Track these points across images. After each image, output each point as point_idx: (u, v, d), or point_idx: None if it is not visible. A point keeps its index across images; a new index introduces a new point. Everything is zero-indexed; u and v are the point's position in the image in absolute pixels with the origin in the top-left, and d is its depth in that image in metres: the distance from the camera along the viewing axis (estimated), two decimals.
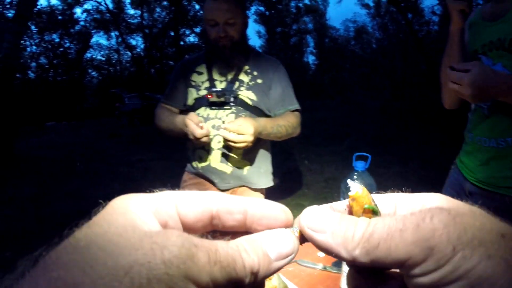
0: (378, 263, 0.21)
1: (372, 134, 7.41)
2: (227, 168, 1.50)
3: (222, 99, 1.43)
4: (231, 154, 1.47)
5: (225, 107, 1.46)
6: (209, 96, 1.42)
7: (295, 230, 0.24)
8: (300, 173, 4.89)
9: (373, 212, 0.23)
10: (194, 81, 1.53)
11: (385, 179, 4.16)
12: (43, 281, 0.16)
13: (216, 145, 1.47)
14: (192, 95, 1.52)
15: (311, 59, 34.94)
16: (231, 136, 1.27)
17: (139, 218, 0.20)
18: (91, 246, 0.17)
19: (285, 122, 1.47)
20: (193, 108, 1.51)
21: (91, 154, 6.98)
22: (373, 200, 0.24)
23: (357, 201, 0.24)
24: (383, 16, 27.58)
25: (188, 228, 0.23)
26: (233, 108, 1.46)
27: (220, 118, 1.45)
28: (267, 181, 1.63)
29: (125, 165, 5.82)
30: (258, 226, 0.24)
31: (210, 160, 1.49)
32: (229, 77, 1.50)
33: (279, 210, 0.24)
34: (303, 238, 0.23)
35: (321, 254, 1.34)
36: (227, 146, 1.39)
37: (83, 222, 0.19)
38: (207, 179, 1.56)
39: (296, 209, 3.57)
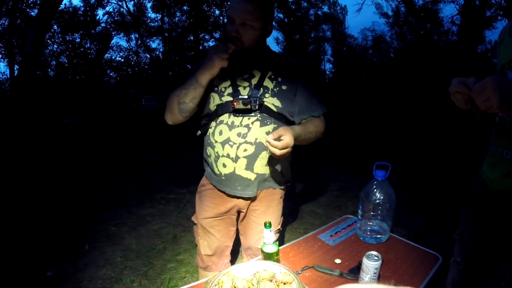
0: None
1: (387, 145, 7.35)
2: (252, 175, 1.48)
3: (248, 106, 1.39)
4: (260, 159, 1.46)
5: (250, 114, 1.43)
6: (234, 103, 1.39)
7: None
8: (315, 180, 4.88)
9: None
10: (217, 86, 1.49)
11: (399, 190, 4.11)
12: None
13: (242, 153, 1.44)
14: (215, 100, 1.48)
15: (328, 67, 34.88)
16: (277, 152, 1.23)
17: None
18: None
19: (314, 128, 1.45)
20: (216, 114, 1.48)
21: (107, 152, 7.09)
22: None
23: None
24: (401, 25, 27.39)
25: None
26: (258, 115, 1.43)
27: (246, 126, 1.42)
28: (287, 179, 1.65)
29: (140, 165, 5.89)
30: None
31: (235, 168, 1.46)
32: (253, 82, 1.46)
33: None
34: None
35: (338, 261, 1.34)
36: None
37: None
38: (228, 186, 1.52)
39: (310, 216, 3.58)
